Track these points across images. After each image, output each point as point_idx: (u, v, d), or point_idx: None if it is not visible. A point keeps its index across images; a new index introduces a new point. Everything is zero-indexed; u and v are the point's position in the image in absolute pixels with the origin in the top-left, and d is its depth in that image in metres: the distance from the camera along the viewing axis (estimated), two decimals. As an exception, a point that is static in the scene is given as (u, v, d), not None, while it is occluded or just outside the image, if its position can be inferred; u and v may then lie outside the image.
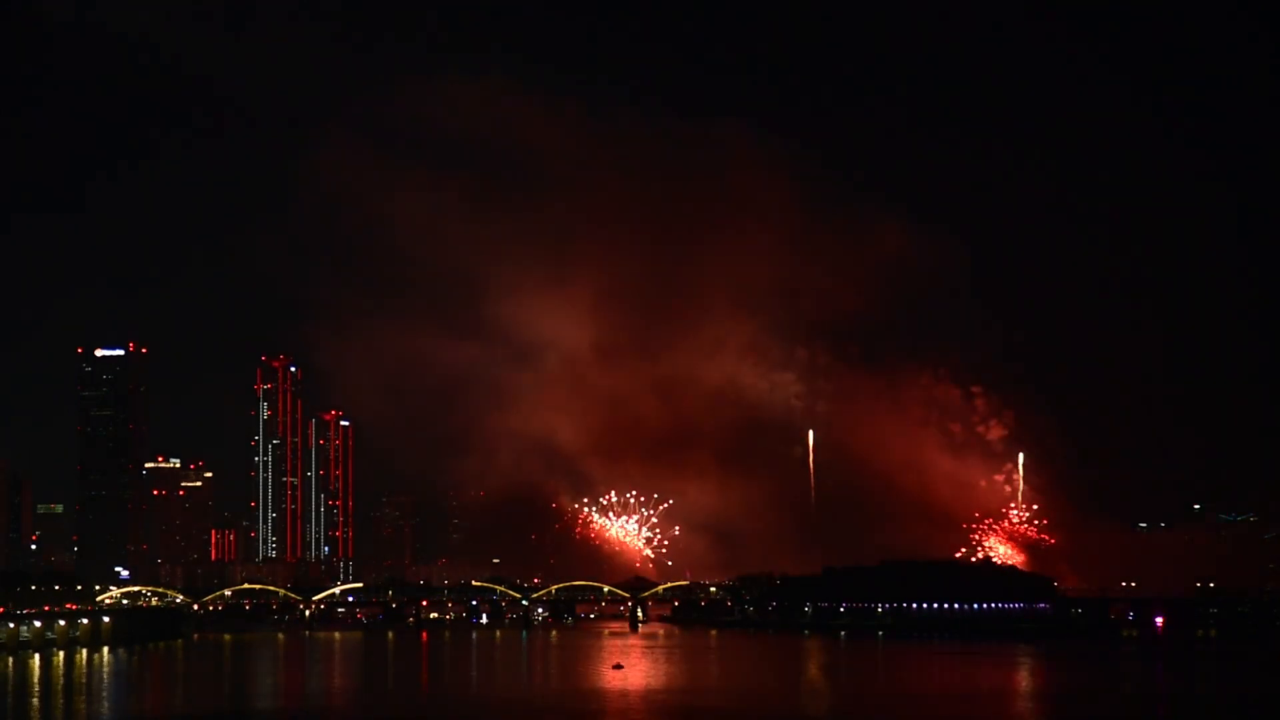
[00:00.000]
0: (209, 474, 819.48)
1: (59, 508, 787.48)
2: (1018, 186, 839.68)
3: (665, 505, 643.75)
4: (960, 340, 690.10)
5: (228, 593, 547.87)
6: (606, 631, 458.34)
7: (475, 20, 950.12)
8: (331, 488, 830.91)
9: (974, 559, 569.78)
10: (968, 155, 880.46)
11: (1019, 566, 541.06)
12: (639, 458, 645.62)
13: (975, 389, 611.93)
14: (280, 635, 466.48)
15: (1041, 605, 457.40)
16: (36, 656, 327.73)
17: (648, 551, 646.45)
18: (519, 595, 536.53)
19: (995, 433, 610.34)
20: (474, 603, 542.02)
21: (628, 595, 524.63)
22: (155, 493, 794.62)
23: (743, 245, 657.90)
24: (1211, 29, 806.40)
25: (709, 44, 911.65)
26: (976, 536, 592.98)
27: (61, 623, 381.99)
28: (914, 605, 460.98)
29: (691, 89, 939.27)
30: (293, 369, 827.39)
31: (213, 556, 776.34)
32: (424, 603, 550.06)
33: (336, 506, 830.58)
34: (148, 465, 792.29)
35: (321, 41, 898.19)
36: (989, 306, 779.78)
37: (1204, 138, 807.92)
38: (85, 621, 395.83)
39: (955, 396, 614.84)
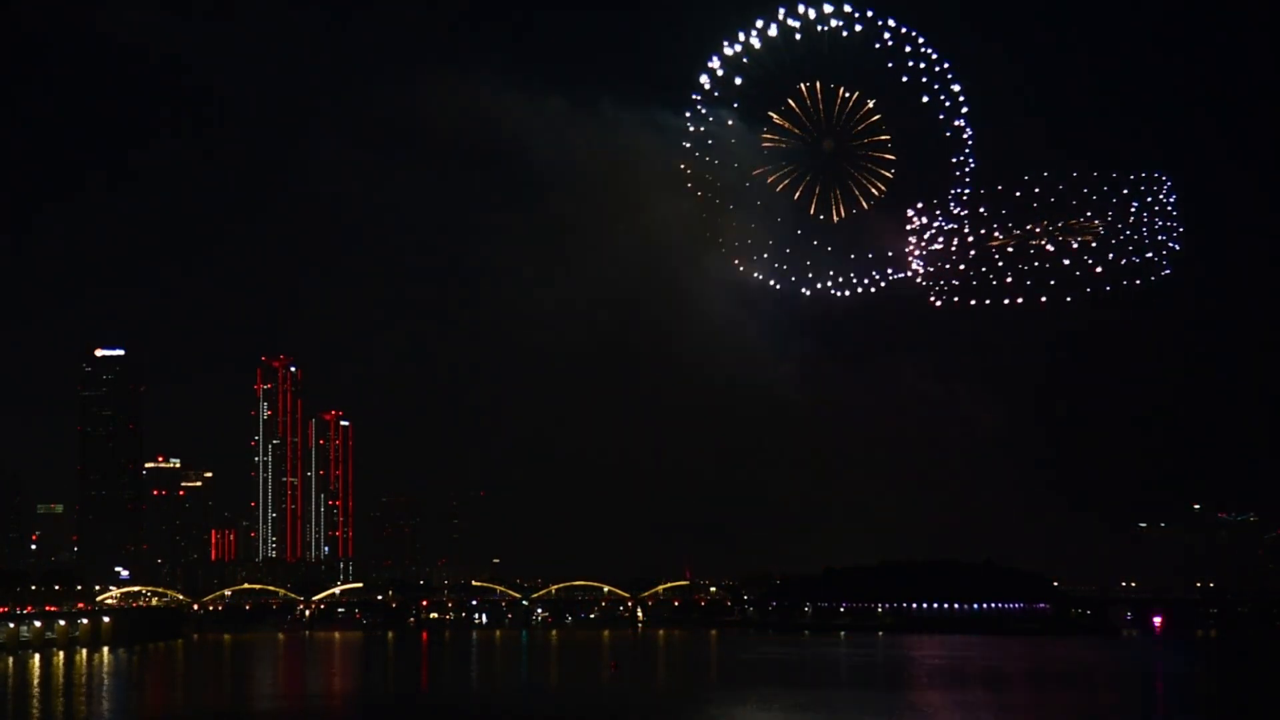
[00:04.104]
0: (209, 474, 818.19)
1: (59, 508, 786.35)
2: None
3: None
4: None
5: (228, 593, 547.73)
6: (606, 632, 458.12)
7: (466, 16, 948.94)
8: (331, 488, 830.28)
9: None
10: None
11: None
12: None
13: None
14: (280, 635, 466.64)
15: (1041, 605, 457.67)
16: (36, 656, 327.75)
17: None
18: (519, 595, 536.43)
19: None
20: (474, 603, 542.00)
21: (628, 595, 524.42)
22: (155, 493, 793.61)
23: None
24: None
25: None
26: None
27: (61, 623, 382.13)
28: (914, 605, 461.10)
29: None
30: (293, 369, 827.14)
31: (213, 556, 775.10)
32: (424, 603, 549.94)
33: (336, 506, 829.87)
34: (148, 465, 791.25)
35: (320, 40, 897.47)
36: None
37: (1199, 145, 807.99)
38: (85, 621, 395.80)
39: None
